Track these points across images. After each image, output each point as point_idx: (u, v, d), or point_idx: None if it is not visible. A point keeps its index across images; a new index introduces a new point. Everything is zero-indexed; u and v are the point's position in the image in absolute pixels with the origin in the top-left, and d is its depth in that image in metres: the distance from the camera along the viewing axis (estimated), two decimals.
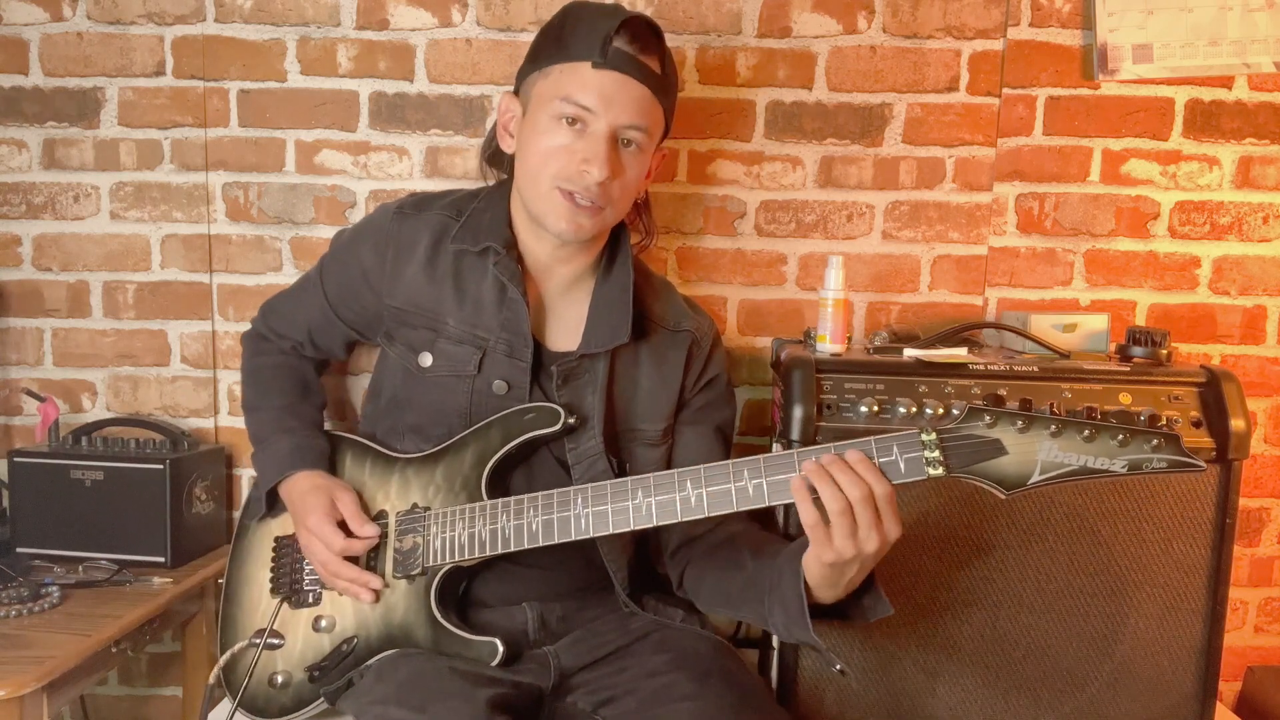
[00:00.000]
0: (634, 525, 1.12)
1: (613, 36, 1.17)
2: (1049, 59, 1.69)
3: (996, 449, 1.01)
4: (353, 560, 1.22)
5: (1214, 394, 1.34)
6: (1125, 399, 1.35)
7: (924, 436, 1.03)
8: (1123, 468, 0.99)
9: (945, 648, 1.36)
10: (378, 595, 1.21)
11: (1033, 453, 1.00)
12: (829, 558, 1.00)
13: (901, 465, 1.03)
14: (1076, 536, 1.34)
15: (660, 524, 1.11)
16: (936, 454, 1.02)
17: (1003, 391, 1.35)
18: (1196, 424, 1.34)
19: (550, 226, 1.24)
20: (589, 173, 1.18)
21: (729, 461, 1.10)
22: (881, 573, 1.33)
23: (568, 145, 1.19)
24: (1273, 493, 1.77)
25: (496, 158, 1.41)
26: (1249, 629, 1.80)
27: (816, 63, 1.70)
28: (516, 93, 1.29)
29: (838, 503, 0.98)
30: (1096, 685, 1.36)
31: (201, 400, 1.79)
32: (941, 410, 1.33)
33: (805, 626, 1.05)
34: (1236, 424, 1.32)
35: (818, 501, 1.00)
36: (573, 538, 1.14)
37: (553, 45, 1.22)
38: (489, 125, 1.65)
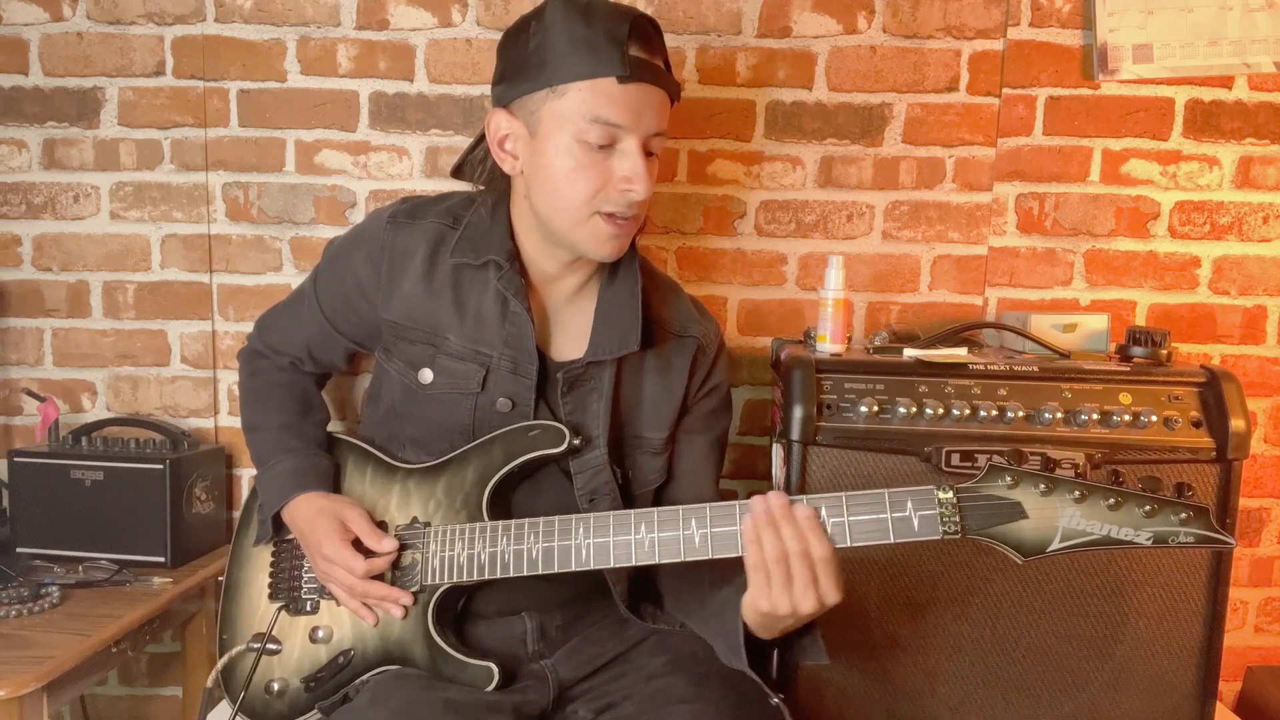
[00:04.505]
0: (635, 560, 1.10)
1: (628, 44, 1.11)
2: (1049, 59, 1.69)
3: (1016, 512, 0.98)
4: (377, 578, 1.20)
5: (1214, 394, 1.34)
6: (1125, 399, 1.35)
7: (940, 494, 1.00)
8: (1147, 539, 0.95)
9: (945, 648, 1.36)
10: (407, 611, 1.19)
11: (1054, 518, 0.97)
12: (764, 606, 1.00)
13: (915, 523, 1.00)
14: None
15: (662, 562, 1.10)
16: (953, 514, 0.99)
17: (1003, 392, 1.36)
18: (1196, 424, 1.34)
19: (591, 252, 1.20)
20: (633, 191, 1.14)
21: (735, 503, 1.08)
22: (879, 576, 1.33)
23: (599, 164, 1.14)
24: (1273, 493, 1.77)
25: (468, 171, 1.34)
26: (1249, 629, 1.80)
27: (816, 63, 1.70)
28: (505, 107, 1.19)
29: (774, 550, 0.99)
30: (1097, 685, 1.35)
31: (201, 400, 1.79)
32: (941, 410, 1.33)
33: (741, 661, 1.07)
34: (1236, 424, 1.32)
35: None
36: (572, 568, 1.12)
37: (561, 58, 1.12)
38: None
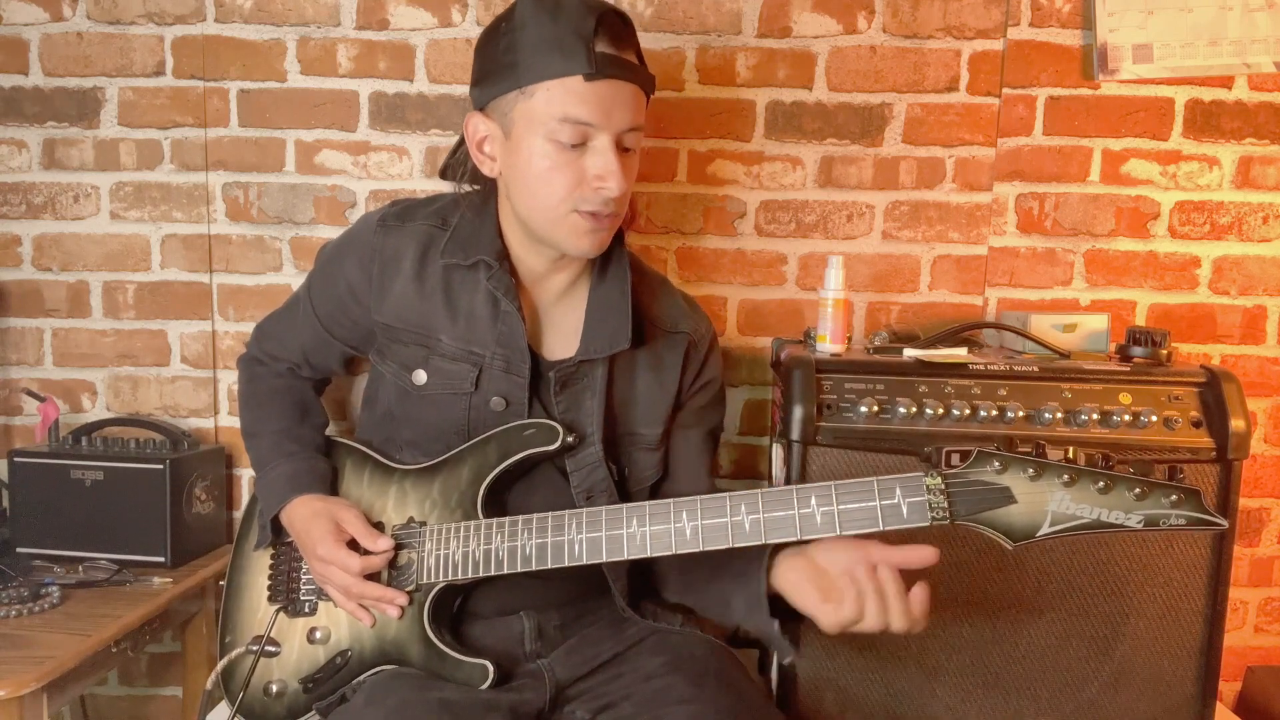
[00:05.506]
0: (627, 555, 1.11)
1: (594, 41, 1.11)
2: (1049, 59, 1.69)
3: (1005, 497, 0.97)
4: (373, 578, 1.20)
5: (1214, 394, 1.34)
6: (1125, 399, 1.35)
7: (929, 480, 1.00)
8: (1138, 523, 0.94)
9: (945, 648, 1.36)
10: (403, 611, 1.19)
11: (1043, 503, 0.96)
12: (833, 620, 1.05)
13: (904, 510, 1.00)
14: (1076, 536, 1.33)
15: (654, 556, 1.10)
16: (941, 500, 0.99)
17: (1003, 392, 1.36)
18: (1196, 424, 1.33)
19: (570, 249, 1.20)
20: (606, 188, 1.14)
21: (726, 494, 1.08)
22: None
23: (573, 163, 1.14)
24: (1273, 493, 1.77)
25: (451, 172, 1.34)
26: (1249, 629, 1.80)
27: (816, 63, 1.70)
28: (481, 110, 1.20)
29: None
30: (1096, 685, 1.35)
31: (201, 400, 1.79)
32: (941, 410, 1.33)
33: (764, 613, 1.10)
34: (1236, 424, 1.32)
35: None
36: (566, 564, 1.13)
37: (529, 58, 1.12)
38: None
